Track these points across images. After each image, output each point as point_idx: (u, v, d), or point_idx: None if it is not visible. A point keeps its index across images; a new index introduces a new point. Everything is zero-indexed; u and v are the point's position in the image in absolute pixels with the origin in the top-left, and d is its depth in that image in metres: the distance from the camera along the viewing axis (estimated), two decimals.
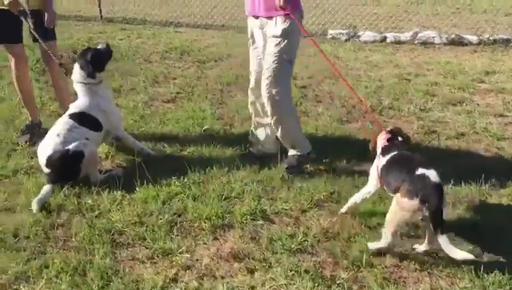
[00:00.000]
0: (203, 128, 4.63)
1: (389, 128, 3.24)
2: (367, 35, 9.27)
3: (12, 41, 4.31)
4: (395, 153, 2.97)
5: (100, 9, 10.69)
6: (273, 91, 3.70)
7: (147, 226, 3.07)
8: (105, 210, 3.25)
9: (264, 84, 3.73)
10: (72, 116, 3.75)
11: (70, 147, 3.53)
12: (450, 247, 2.53)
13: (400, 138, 3.11)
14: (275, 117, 3.79)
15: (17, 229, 3.00)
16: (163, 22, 10.41)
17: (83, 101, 3.86)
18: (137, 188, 3.52)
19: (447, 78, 6.64)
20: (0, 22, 4.16)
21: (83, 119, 3.74)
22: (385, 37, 9.18)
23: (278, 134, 3.90)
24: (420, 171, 2.71)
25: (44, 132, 3.87)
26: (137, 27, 10.03)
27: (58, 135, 3.58)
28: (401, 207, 2.70)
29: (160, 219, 3.13)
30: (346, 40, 9.24)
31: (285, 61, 3.70)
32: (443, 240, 2.53)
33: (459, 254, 2.52)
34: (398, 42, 9.04)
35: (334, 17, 10.30)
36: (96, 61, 3.90)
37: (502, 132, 4.71)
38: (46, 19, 4.16)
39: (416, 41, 9.01)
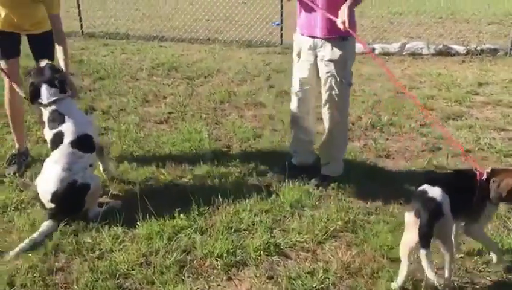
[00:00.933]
0: None
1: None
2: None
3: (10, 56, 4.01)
4: None
5: (81, 24, 10.36)
6: (335, 114, 3.80)
7: (154, 267, 2.84)
8: (107, 250, 3.01)
9: (326, 107, 3.81)
10: (73, 143, 3.41)
11: (77, 178, 3.30)
12: (425, 263, 2.45)
13: None
14: (331, 137, 3.91)
15: (12, 277, 2.74)
16: (147, 37, 10.14)
17: (72, 121, 3.48)
18: (138, 223, 3.29)
19: (442, 90, 6.57)
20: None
21: (83, 143, 3.45)
22: (373, 49, 9.10)
23: (333, 153, 4.00)
24: (423, 187, 2.64)
25: (32, 161, 3.60)
26: (120, 42, 9.75)
27: (62, 167, 3.30)
28: (405, 223, 2.66)
29: (168, 259, 2.90)
30: None
31: (344, 84, 3.72)
32: (422, 255, 2.46)
33: (430, 274, 2.44)
34: (387, 53, 8.98)
35: None
36: (59, 74, 3.60)
37: (507, 148, 4.61)
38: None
39: (404, 52, 8.96)
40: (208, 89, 6.64)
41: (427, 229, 2.48)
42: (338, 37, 3.61)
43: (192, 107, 5.85)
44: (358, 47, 9.57)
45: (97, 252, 2.98)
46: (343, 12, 3.36)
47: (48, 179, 3.29)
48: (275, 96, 6.25)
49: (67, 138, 3.41)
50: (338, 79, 3.69)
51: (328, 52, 3.67)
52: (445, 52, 8.94)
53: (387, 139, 4.93)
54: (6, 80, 4.03)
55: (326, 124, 3.87)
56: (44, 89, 3.49)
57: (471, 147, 4.65)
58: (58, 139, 3.42)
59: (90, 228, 3.23)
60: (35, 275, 2.75)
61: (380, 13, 12.38)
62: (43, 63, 3.60)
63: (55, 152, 3.40)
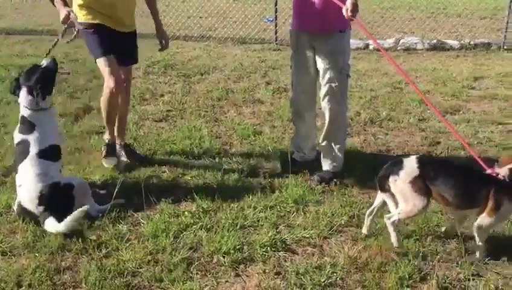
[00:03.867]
0: None
1: None
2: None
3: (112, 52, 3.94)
4: None
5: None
6: (335, 106, 3.80)
7: (162, 265, 2.83)
8: (113, 248, 2.99)
9: (325, 100, 3.81)
10: (40, 154, 3.32)
11: (58, 180, 3.32)
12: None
13: None
14: (331, 130, 3.90)
15: (19, 277, 2.72)
16: (140, 34, 10.05)
17: (40, 132, 3.37)
18: (143, 221, 3.28)
19: (438, 85, 6.61)
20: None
21: (49, 154, 3.37)
22: (367, 44, 9.13)
23: (334, 147, 3.96)
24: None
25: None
26: None
27: (38, 173, 3.26)
28: None
29: (175, 256, 2.89)
30: None
31: (343, 76, 3.77)
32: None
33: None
34: None
35: None
36: (45, 82, 3.45)
37: (506, 141, 4.65)
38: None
39: (399, 48, 9.01)
40: (205, 86, 6.63)
41: None
42: (335, 29, 3.69)
43: (191, 104, 5.83)
44: (353, 43, 9.62)
45: (104, 251, 2.96)
46: (349, 1, 3.43)
47: (29, 187, 3.24)
48: (272, 93, 6.26)
49: (34, 149, 3.33)
50: (337, 71, 3.74)
51: (326, 45, 3.72)
52: (439, 47, 9.00)
53: (387, 134, 4.95)
54: (108, 76, 3.89)
55: (327, 116, 3.89)
56: (22, 93, 3.42)
57: (469, 140, 4.68)
58: (24, 148, 3.35)
59: (95, 226, 3.21)
60: (42, 274, 2.73)
61: (372, 8, 12.41)
62: (45, 61, 3.56)
63: (25, 164, 3.31)
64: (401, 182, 2.90)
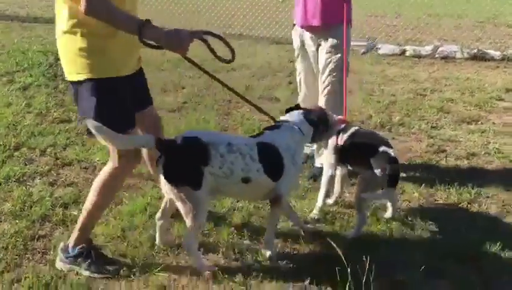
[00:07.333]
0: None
1: None
2: (386, 47, 9.05)
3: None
4: None
5: None
6: (334, 99, 3.84)
7: (128, 242, 2.97)
8: None
9: (324, 92, 3.87)
10: None
11: None
12: None
13: None
14: None
15: None
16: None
17: None
18: (126, 201, 3.44)
19: (465, 94, 6.40)
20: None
21: None
22: (404, 50, 8.94)
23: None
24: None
25: None
26: None
27: None
28: None
29: (143, 235, 3.03)
30: (364, 53, 9.05)
31: (342, 69, 3.79)
32: None
33: None
34: (418, 56, 8.78)
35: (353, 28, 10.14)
36: None
37: None
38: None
39: (436, 56, 8.74)
40: (226, 82, 6.70)
41: None
42: (336, 24, 3.75)
43: (208, 98, 5.97)
44: (389, 49, 9.42)
45: None
46: None
47: None
48: (291, 92, 6.28)
49: None
50: (337, 64, 3.79)
51: (328, 39, 3.81)
52: (479, 57, 8.66)
53: (394, 138, 4.86)
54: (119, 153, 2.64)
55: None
56: None
57: (477, 150, 4.54)
58: None
59: (81, 201, 3.39)
60: (18, 239, 2.94)
61: (418, 14, 12.13)
62: None
63: None
64: None
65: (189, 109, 5.57)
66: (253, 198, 3.15)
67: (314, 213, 3.33)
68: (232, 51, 2.77)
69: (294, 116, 3.00)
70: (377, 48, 9.10)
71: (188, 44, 2.52)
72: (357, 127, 3.35)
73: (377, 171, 2.98)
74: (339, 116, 3.45)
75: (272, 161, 2.74)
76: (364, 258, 2.42)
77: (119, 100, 2.57)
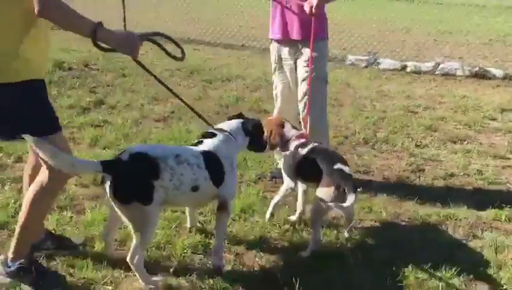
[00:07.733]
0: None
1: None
2: (386, 62, 9.01)
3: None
4: None
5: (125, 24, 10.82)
6: (314, 111, 3.81)
7: (80, 254, 2.97)
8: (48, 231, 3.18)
9: (301, 107, 3.86)
10: None
11: None
12: None
13: None
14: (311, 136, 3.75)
15: None
16: (185, 40, 10.47)
17: None
18: (88, 210, 3.45)
19: (457, 112, 6.32)
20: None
21: None
22: (405, 66, 8.89)
23: None
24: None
25: None
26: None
27: None
28: None
29: (98, 246, 3.03)
30: (365, 67, 9.01)
31: (322, 82, 3.84)
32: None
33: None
34: (419, 72, 8.73)
35: (354, 42, 10.13)
36: None
37: (495, 176, 4.38)
38: None
39: (437, 72, 8.67)
40: (220, 93, 6.78)
41: None
42: (316, 36, 3.72)
43: (197, 108, 5.95)
44: (390, 64, 9.37)
45: None
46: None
47: None
48: None
49: None
50: (315, 76, 3.77)
51: (306, 52, 3.80)
52: (480, 75, 8.56)
53: (375, 156, 4.83)
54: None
55: (308, 124, 3.84)
56: None
57: (456, 171, 4.46)
58: None
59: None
60: None
61: (427, 30, 12.06)
62: None
63: None
64: None
65: (175, 118, 5.60)
66: (197, 205, 3.25)
67: (267, 217, 3.43)
68: (182, 49, 2.86)
69: (232, 124, 3.10)
70: (377, 63, 9.06)
71: (139, 47, 2.47)
72: (316, 144, 3.33)
73: (332, 189, 2.95)
74: (300, 131, 3.45)
75: (215, 168, 2.84)
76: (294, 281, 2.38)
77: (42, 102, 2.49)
